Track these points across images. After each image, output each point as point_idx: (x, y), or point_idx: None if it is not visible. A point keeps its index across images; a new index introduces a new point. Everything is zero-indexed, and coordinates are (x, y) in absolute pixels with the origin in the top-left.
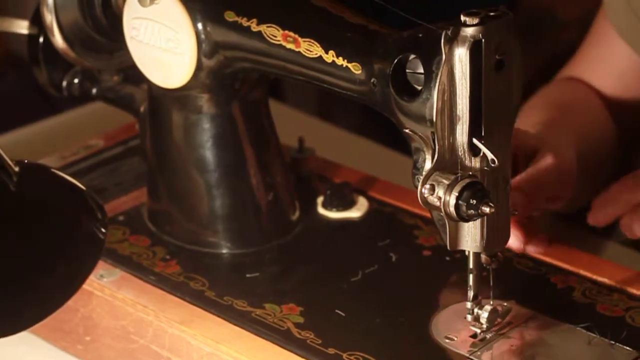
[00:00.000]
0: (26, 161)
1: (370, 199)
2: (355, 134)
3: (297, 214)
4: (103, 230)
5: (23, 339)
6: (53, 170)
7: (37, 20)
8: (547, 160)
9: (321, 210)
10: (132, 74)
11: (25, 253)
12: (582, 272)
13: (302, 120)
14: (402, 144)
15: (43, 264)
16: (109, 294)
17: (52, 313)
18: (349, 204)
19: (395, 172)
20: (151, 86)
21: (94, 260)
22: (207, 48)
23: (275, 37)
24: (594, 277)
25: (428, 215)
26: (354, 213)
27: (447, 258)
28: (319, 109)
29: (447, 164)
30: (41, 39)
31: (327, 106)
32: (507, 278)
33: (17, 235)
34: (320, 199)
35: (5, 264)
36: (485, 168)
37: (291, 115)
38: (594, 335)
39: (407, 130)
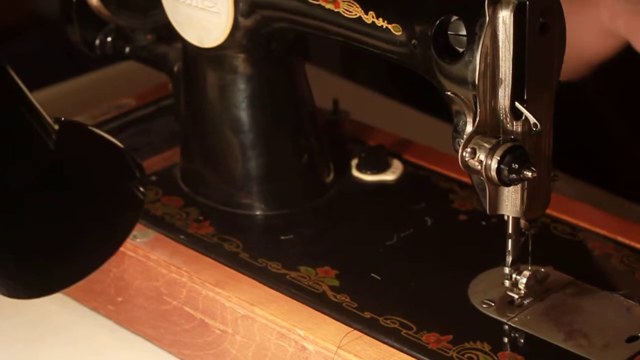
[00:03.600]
0: (63, 119)
1: (405, 162)
2: (382, 94)
3: (331, 176)
4: (142, 189)
5: (54, 299)
6: (91, 128)
7: None
8: None
9: (355, 173)
10: (166, 33)
11: (63, 213)
12: (620, 238)
13: (332, 81)
14: (432, 107)
15: (81, 224)
16: (142, 254)
17: (89, 274)
18: (383, 167)
19: (428, 135)
20: (186, 46)
21: (132, 220)
22: (244, 7)
23: None
24: (632, 244)
25: (463, 179)
26: (389, 176)
27: (484, 223)
28: (345, 68)
29: (489, 128)
30: None
31: (354, 66)
32: (545, 244)
33: (56, 195)
34: (354, 162)
35: (44, 224)
36: (530, 132)
37: (321, 76)
38: (632, 302)
39: (448, 93)
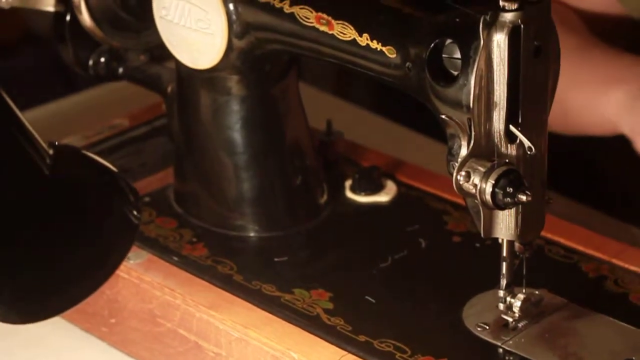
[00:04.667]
0: (57, 143)
1: (398, 183)
2: (375, 113)
3: (325, 197)
4: (136, 213)
5: (47, 320)
6: (85, 152)
7: None
8: None
9: (349, 194)
10: (159, 53)
11: (58, 239)
12: (615, 261)
13: (325, 100)
14: (426, 126)
15: (76, 249)
16: (136, 276)
17: (84, 299)
18: (377, 188)
19: (422, 155)
20: (179, 67)
21: (127, 245)
22: (238, 29)
23: (308, 19)
24: (627, 266)
25: (457, 200)
26: (382, 197)
27: (477, 245)
28: (338, 86)
29: (483, 151)
30: (68, 17)
31: (347, 84)
32: (539, 266)
33: (50, 221)
34: (348, 183)
35: (38, 250)
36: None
37: (314, 94)
38: (627, 325)
39: (443, 116)
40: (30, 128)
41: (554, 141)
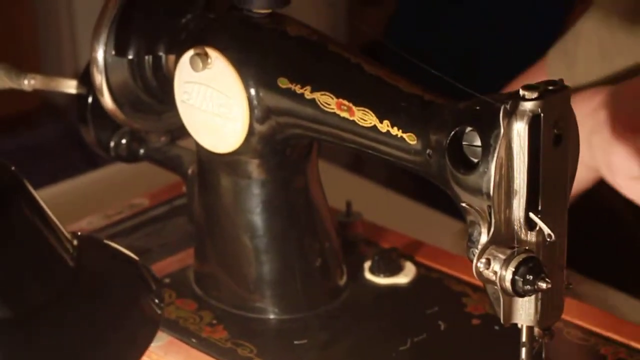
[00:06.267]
0: (80, 233)
1: (417, 264)
2: (392, 188)
3: (344, 279)
4: (158, 302)
5: None
6: (107, 242)
7: (85, 80)
8: None
9: (368, 276)
10: (179, 134)
11: (82, 331)
12: (634, 344)
13: (343, 178)
14: (445, 204)
15: (100, 341)
16: (156, 359)
17: None
18: (396, 270)
19: (442, 234)
20: (200, 149)
21: (150, 335)
22: (259, 114)
23: (329, 105)
24: None
25: (476, 282)
26: (402, 279)
27: (497, 327)
28: (356, 162)
29: (503, 238)
30: (90, 99)
31: (365, 161)
32: (557, 349)
33: (74, 314)
34: (367, 264)
35: (62, 342)
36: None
37: (332, 172)
38: None
39: (463, 205)
40: (54, 219)
41: (572, 221)
